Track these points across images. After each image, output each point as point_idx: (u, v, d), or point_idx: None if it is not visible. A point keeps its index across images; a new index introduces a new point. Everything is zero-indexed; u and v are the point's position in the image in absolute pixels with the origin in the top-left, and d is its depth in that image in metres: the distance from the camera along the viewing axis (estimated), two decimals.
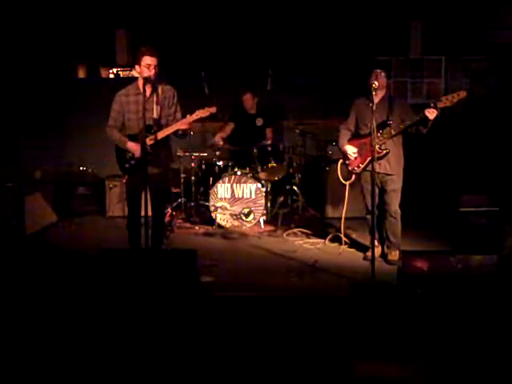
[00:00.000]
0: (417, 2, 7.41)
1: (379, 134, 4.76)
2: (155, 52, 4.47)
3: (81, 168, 7.57)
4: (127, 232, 4.79)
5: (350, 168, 5.05)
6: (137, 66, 4.52)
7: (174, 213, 6.57)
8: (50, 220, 6.63)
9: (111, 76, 7.86)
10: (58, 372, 3.10)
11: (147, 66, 4.43)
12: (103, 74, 8.00)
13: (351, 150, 4.97)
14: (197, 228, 6.45)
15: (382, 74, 4.83)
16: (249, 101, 6.89)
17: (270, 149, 6.55)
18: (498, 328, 3.41)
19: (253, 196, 6.26)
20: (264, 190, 6.31)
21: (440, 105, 4.51)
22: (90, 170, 7.55)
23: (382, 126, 4.79)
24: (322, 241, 5.72)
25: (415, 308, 3.62)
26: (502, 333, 3.37)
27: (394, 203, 4.99)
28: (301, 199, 6.81)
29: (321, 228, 6.24)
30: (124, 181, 6.20)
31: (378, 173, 4.86)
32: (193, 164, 6.79)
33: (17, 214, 5.95)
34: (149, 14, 7.48)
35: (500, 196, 6.77)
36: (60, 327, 3.61)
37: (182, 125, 4.57)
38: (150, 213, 4.57)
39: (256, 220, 6.27)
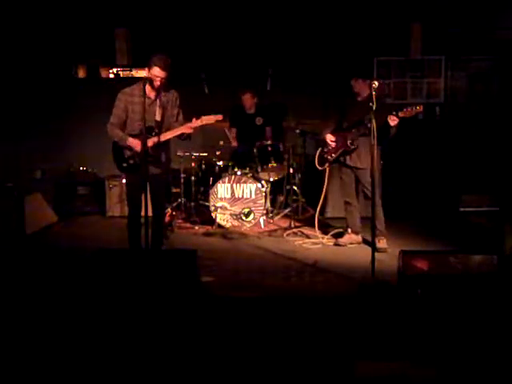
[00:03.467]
0: (417, 2, 7.40)
1: (354, 131, 5.24)
2: (167, 66, 4.47)
3: (81, 168, 7.56)
4: (127, 232, 4.79)
5: (325, 156, 5.55)
6: (147, 69, 4.55)
7: (174, 213, 6.58)
8: (50, 220, 6.63)
9: (111, 76, 7.85)
10: (58, 371, 3.10)
11: (154, 76, 4.49)
12: (103, 74, 8.00)
13: (330, 138, 5.46)
14: (197, 228, 6.45)
15: (359, 80, 5.30)
16: (248, 100, 6.90)
17: (270, 149, 6.56)
18: (498, 328, 3.41)
19: (253, 196, 6.26)
20: (264, 189, 6.31)
21: (400, 114, 4.93)
22: (90, 170, 7.55)
23: (358, 123, 5.24)
24: (322, 241, 5.72)
25: (415, 308, 3.62)
26: (502, 332, 3.37)
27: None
28: (301, 199, 6.81)
29: (321, 228, 6.24)
30: (124, 181, 6.23)
31: (350, 166, 5.41)
32: (193, 164, 6.80)
33: (17, 213, 5.95)
34: (149, 13, 7.48)
35: (500, 196, 6.77)
36: (60, 327, 3.61)
37: (186, 129, 4.61)
38: (149, 213, 4.58)
39: (256, 220, 6.27)
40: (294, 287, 4.45)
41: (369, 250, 4.54)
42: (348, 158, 5.36)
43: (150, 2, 7.41)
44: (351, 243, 5.55)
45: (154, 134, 4.56)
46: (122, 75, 7.79)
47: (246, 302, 4.04)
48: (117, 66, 7.81)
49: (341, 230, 5.82)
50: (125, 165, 4.68)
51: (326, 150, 5.53)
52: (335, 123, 5.52)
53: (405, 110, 4.91)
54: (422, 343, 3.28)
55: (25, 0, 7.33)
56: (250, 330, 3.57)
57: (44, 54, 7.80)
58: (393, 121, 4.94)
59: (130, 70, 7.69)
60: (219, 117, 4.68)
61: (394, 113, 4.92)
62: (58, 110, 7.76)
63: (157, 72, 4.47)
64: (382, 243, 5.36)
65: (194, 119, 4.61)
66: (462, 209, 7.00)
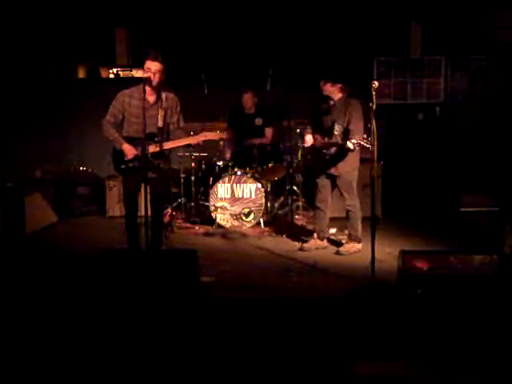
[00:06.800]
0: (417, 2, 7.41)
1: (326, 139, 5.16)
2: (158, 57, 4.45)
3: (81, 168, 7.57)
4: (126, 233, 4.78)
5: (306, 154, 5.70)
6: (142, 69, 4.53)
7: (174, 213, 6.57)
8: (49, 220, 6.63)
9: (111, 76, 7.86)
10: (58, 372, 3.10)
11: (147, 70, 4.44)
12: (103, 74, 8.01)
13: (308, 140, 5.34)
14: (197, 228, 6.45)
15: (328, 83, 5.20)
16: (249, 100, 6.88)
17: (269, 149, 6.55)
18: (498, 328, 3.41)
19: (253, 196, 6.26)
20: (264, 189, 6.31)
21: (356, 146, 4.78)
22: (90, 170, 7.55)
23: (329, 131, 5.17)
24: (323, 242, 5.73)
25: (415, 308, 3.62)
26: (502, 333, 3.37)
27: (347, 198, 5.27)
28: (301, 199, 6.81)
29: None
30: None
31: (325, 171, 5.27)
32: (193, 164, 6.79)
33: (17, 213, 5.95)
34: (149, 13, 7.48)
35: (500, 196, 6.77)
36: (60, 327, 3.61)
37: (192, 140, 4.62)
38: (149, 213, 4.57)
39: (256, 220, 6.27)
40: (293, 287, 4.45)
41: (368, 250, 4.54)
42: (324, 163, 5.24)
43: (150, 2, 7.42)
44: (316, 248, 5.45)
45: (156, 140, 4.55)
46: (121, 75, 7.79)
47: (246, 301, 4.04)
48: (117, 66, 7.82)
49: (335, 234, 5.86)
50: (123, 167, 4.64)
51: (305, 148, 5.57)
52: (313, 123, 5.44)
53: (359, 141, 4.73)
54: (421, 343, 3.28)
55: (25, 0, 7.33)
56: (249, 330, 3.57)
57: (44, 54, 7.81)
58: (349, 148, 4.83)
59: (130, 70, 7.69)
60: (222, 135, 4.78)
61: (354, 141, 4.75)
62: (58, 110, 7.77)
63: (149, 64, 4.42)
64: (346, 248, 5.32)
65: (202, 134, 4.63)
66: (461, 209, 7.00)
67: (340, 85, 5.20)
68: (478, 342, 3.28)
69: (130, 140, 4.59)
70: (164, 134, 4.64)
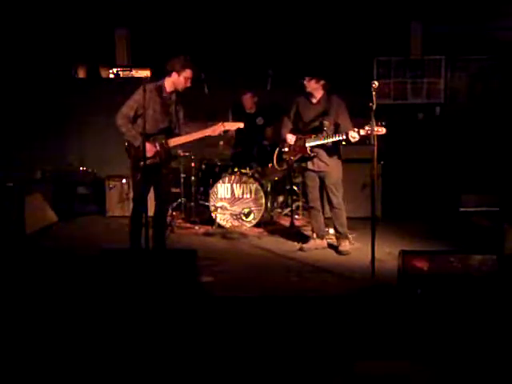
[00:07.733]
0: (417, 2, 7.40)
1: (313, 137, 5.10)
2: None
3: (81, 168, 7.57)
4: (129, 228, 4.79)
5: (284, 156, 5.46)
6: (174, 74, 4.66)
7: (174, 213, 6.57)
8: (50, 220, 6.63)
9: (111, 76, 7.83)
10: (58, 372, 3.10)
11: (187, 79, 4.65)
12: (103, 74, 8.00)
13: (290, 140, 5.31)
14: (197, 228, 6.45)
15: (312, 80, 5.18)
16: (248, 100, 6.90)
17: (269, 149, 6.56)
18: (498, 328, 3.41)
19: (253, 196, 6.26)
20: (264, 189, 6.31)
21: (362, 132, 4.80)
22: (90, 170, 7.55)
23: (316, 129, 5.16)
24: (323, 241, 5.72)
25: (415, 308, 3.62)
26: (502, 333, 3.37)
27: (336, 196, 5.29)
28: (301, 199, 6.81)
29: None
30: (124, 181, 6.22)
31: (313, 170, 5.27)
32: (193, 164, 6.79)
33: (17, 213, 5.96)
34: (149, 13, 7.48)
35: (500, 196, 6.78)
36: (60, 327, 3.61)
37: (211, 132, 4.73)
38: (150, 213, 4.58)
39: (256, 220, 6.27)
40: (293, 287, 4.45)
41: (368, 250, 4.53)
42: (310, 163, 5.25)
43: (150, 2, 7.41)
44: (316, 248, 5.45)
45: (173, 135, 4.69)
46: (121, 75, 7.76)
47: (246, 301, 4.04)
48: (117, 66, 7.80)
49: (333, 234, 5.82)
50: (142, 163, 4.52)
51: (284, 150, 5.44)
52: (292, 123, 5.42)
53: (367, 127, 4.71)
54: (421, 343, 3.28)
55: (25, 0, 7.32)
56: (249, 329, 3.57)
57: (44, 54, 7.80)
58: (353, 138, 4.86)
59: (130, 70, 7.67)
60: (240, 124, 4.80)
61: (356, 130, 4.82)
62: (58, 110, 7.76)
63: (189, 74, 4.66)
64: (344, 246, 5.35)
65: (219, 124, 4.72)
66: (461, 209, 7.00)
67: (323, 82, 5.22)
68: (477, 342, 3.28)
69: (147, 136, 4.56)
70: (177, 128, 4.80)
